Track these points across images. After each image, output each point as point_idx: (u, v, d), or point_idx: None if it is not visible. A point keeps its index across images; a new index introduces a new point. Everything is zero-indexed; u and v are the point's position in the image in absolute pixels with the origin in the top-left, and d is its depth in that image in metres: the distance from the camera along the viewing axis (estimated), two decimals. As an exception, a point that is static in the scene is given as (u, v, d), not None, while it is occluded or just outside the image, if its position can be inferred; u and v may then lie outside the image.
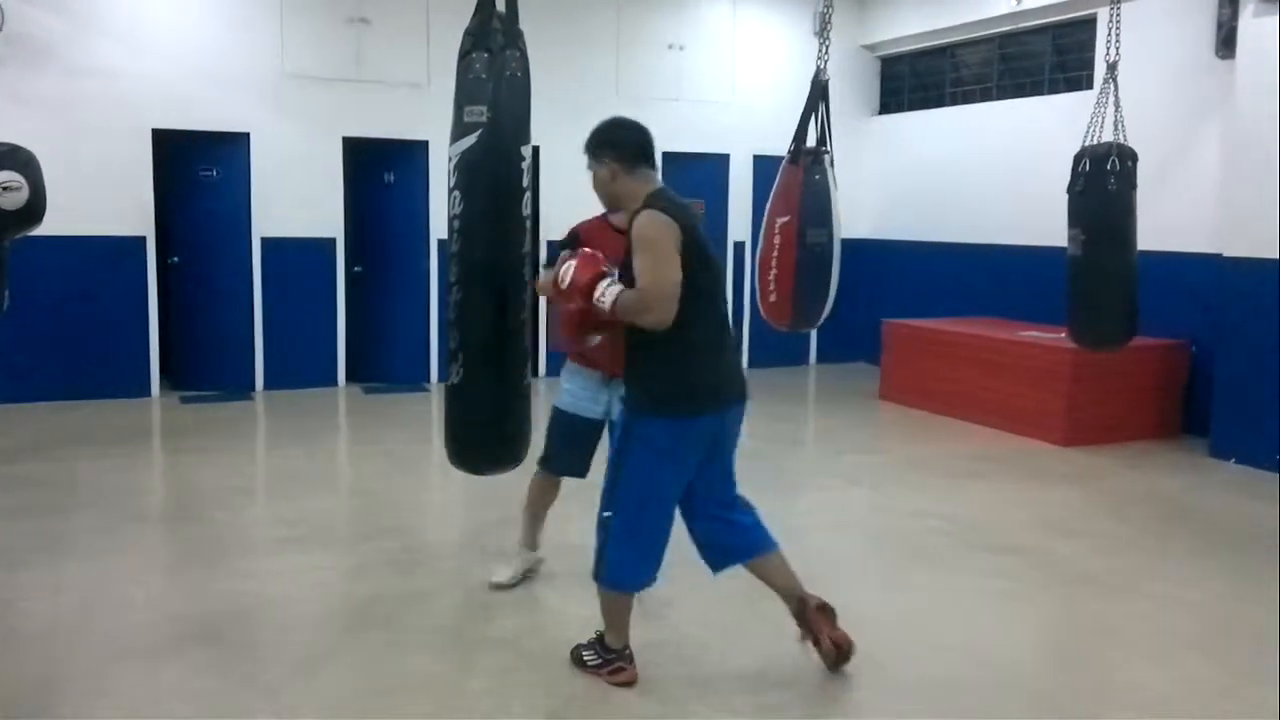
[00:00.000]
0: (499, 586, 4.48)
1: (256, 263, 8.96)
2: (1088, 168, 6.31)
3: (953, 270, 9.95)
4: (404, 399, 8.96)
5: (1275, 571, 4.81)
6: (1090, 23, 8.62)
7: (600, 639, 3.67)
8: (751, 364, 10.68)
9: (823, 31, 6.02)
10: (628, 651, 3.64)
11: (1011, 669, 3.80)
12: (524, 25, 4.04)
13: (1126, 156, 6.28)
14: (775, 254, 5.95)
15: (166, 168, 8.73)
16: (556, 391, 4.42)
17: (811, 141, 6.07)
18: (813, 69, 6.04)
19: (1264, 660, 3.80)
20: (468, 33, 3.99)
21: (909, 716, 3.45)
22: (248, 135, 8.84)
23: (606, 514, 3.51)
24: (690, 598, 4.22)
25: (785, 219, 5.96)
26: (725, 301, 3.65)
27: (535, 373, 9.20)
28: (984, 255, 9.52)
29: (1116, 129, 6.45)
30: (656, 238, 3.30)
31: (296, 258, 9.08)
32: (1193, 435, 7.42)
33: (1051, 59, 9.31)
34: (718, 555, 3.73)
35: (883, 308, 9.85)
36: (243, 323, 8.97)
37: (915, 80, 10.95)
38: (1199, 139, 7.60)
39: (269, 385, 9.05)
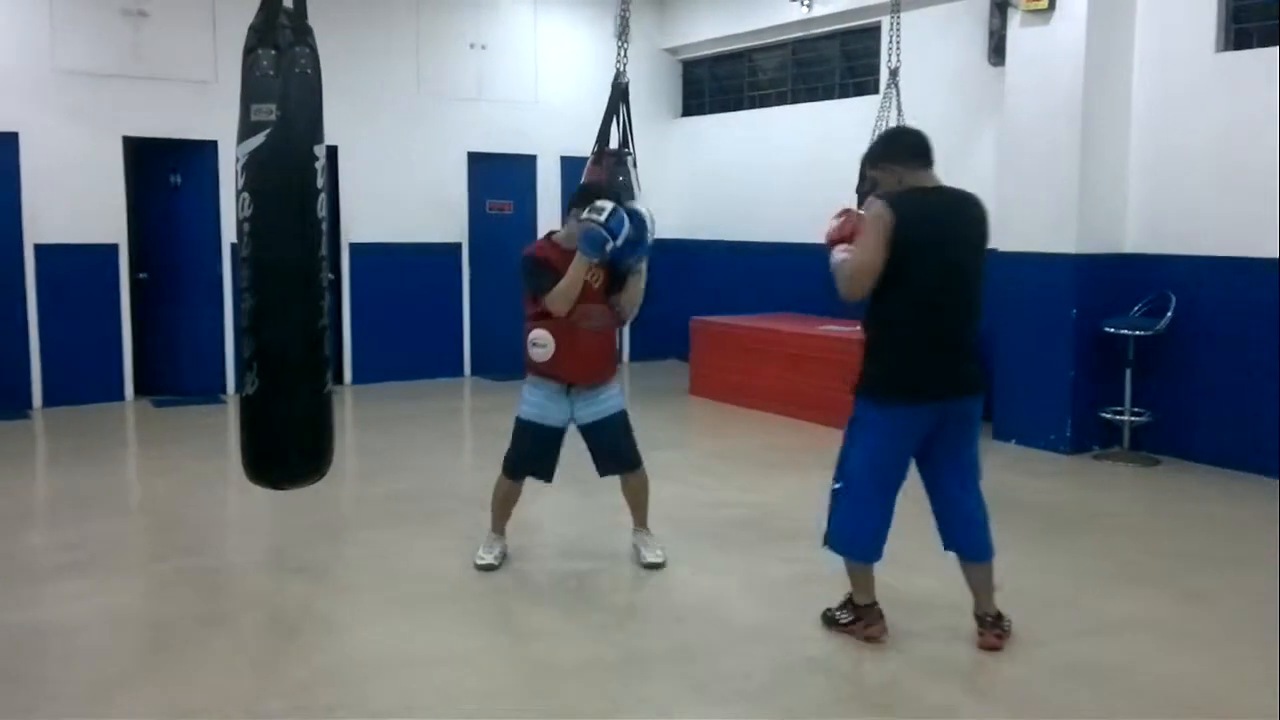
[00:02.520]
0: (487, 567, 4.64)
1: (30, 271, 8.34)
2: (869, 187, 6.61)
3: (757, 268, 10.25)
4: (198, 411, 8.52)
5: (1062, 541, 5.18)
6: (875, 30, 9.04)
7: (850, 600, 3.91)
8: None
9: (621, 35, 6.10)
10: (876, 608, 3.87)
11: (805, 643, 3.93)
12: (318, 21, 3.92)
13: (910, 157, 6.61)
14: None
15: (-79, 170, 8.02)
16: (517, 402, 4.60)
17: (614, 143, 6.14)
18: (614, 71, 6.11)
19: (1036, 619, 4.08)
20: (252, 28, 3.84)
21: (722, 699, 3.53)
22: (15, 135, 8.23)
23: (836, 485, 3.80)
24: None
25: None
26: (956, 301, 3.69)
27: (339, 380, 8.96)
28: (785, 253, 9.84)
29: (900, 131, 6.79)
30: (869, 222, 3.60)
31: (74, 265, 8.49)
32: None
33: (841, 65, 9.73)
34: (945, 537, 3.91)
35: (691, 306, 10.05)
36: (16, 335, 8.33)
37: (715, 84, 11.22)
38: (975, 140, 8.09)
39: (48, 402, 8.44)
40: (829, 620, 4.00)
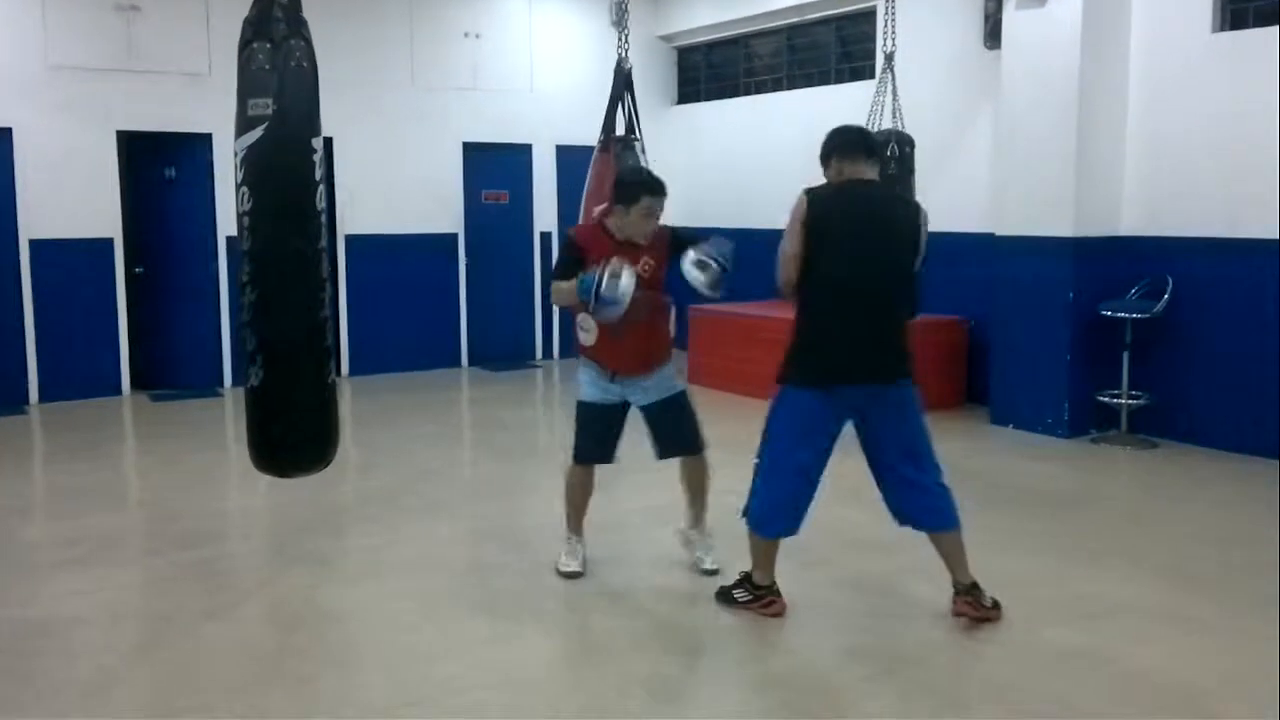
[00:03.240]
0: (572, 575, 4.47)
1: (25, 267, 8.32)
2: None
3: (755, 256, 10.19)
4: (195, 405, 8.51)
5: (1059, 525, 5.19)
6: (870, 15, 9.01)
7: (747, 577, 3.99)
8: (571, 352, 10.73)
9: (621, 20, 6.08)
10: (775, 586, 3.96)
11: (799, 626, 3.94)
12: (310, 12, 3.91)
13: (905, 142, 6.61)
14: None
15: (-85, 166, 8.00)
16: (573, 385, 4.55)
17: (620, 130, 6.13)
18: (609, 60, 6.09)
19: (1032, 603, 4.09)
20: (247, 22, 3.84)
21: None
22: (9, 130, 8.20)
23: (755, 460, 3.89)
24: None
25: (603, 206, 5.94)
26: (873, 291, 3.74)
27: (338, 371, 8.96)
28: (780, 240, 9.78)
29: (895, 116, 6.78)
30: (791, 214, 3.76)
31: (70, 260, 8.48)
32: (975, 404, 7.89)
33: (836, 50, 9.69)
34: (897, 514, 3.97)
35: (689, 293, 9.99)
36: (12, 330, 8.32)
37: (711, 71, 11.18)
38: (971, 125, 8.07)
39: (45, 398, 8.43)
40: (725, 598, 4.08)
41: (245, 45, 3.80)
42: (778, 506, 3.89)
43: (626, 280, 4.00)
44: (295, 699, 3.48)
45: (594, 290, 3.98)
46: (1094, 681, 3.52)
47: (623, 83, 6.15)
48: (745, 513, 3.97)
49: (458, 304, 10.26)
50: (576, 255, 4.28)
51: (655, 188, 4.36)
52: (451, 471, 6.63)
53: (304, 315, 3.85)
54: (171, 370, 9.02)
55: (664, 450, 4.54)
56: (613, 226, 4.36)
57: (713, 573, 4.44)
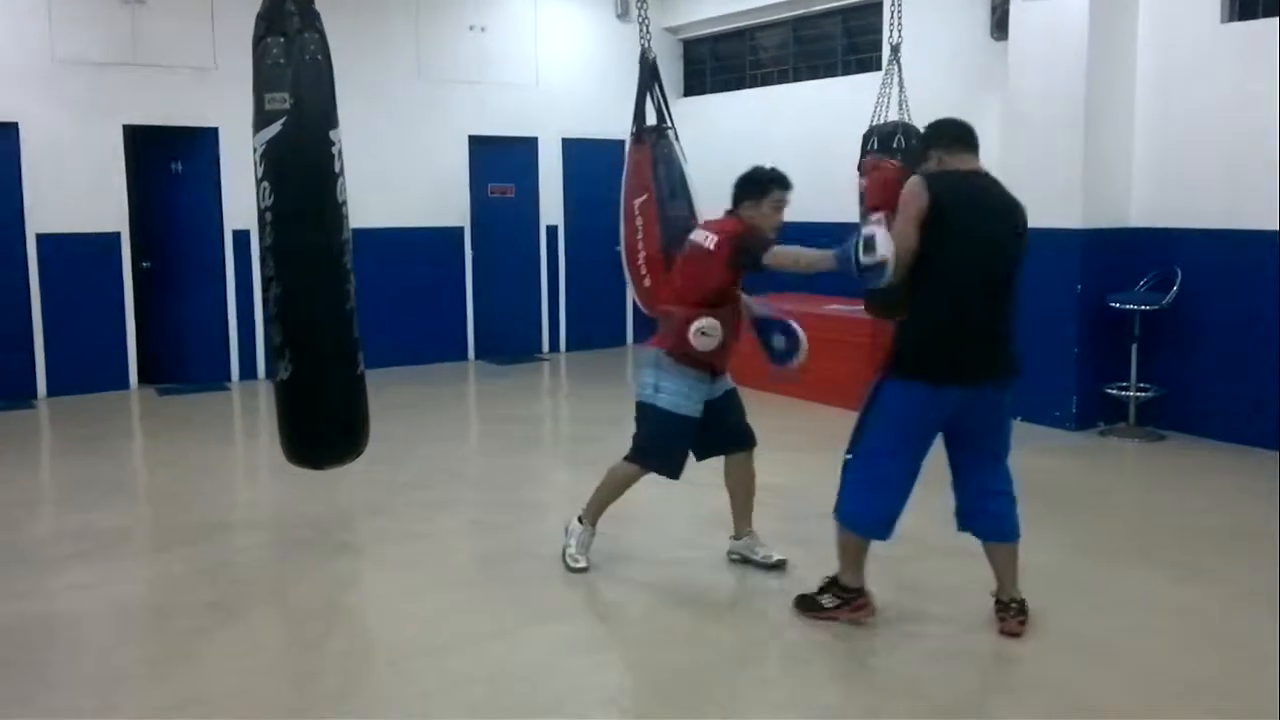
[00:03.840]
0: (582, 571, 4.40)
1: (32, 261, 8.34)
2: (875, 146, 6.56)
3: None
4: (203, 399, 8.52)
5: (1067, 517, 5.17)
6: (876, 6, 8.96)
7: (834, 581, 3.83)
8: (578, 345, 10.74)
9: (636, 12, 6.07)
10: (864, 588, 3.83)
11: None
12: (317, 7, 3.90)
13: (911, 134, 6.56)
14: (640, 236, 5.87)
15: (-78, 161, 8.01)
16: (638, 386, 4.33)
17: (650, 120, 6.12)
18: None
19: (1040, 596, 4.08)
20: (260, 17, 3.85)
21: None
22: (16, 125, 8.20)
23: (847, 455, 3.73)
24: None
25: (643, 198, 5.90)
26: (990, 285, 3.59)
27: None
28: (789, 232, 9.71)
29: (901, 108, 6.75)
30: (904, 201, 3.52)
31: (77, 254, 8.49)
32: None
33: (842, 41, 9.66)
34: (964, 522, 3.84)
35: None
36: (20, 325, 8.34)
37: (717, 63, 11.15)
38: (978, 116, 7.88)
39: (52, 392, 8.45)
40: (809, 605, 3.90)
41: (259, 40, 3.81)
42: (877, 506, 3.71)
43: (883, 239, 3.49)
44: (302, 693, 3.48)
45: (855, 258, 3.51)
46: (1100, 674, 3.51)
47: (649, 72, 6.14)
48: (836, 510, 3.78)
49: (464, 298, 10.25)
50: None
51: (784, 181, 4.36)
52: (459, 465, 6.63)
53: (331, 308, 3.88)
54: (179, 364, 9.04)
55: (725, 446, 4.41)
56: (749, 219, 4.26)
57: (782, 563, 4.41)
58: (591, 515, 4.50)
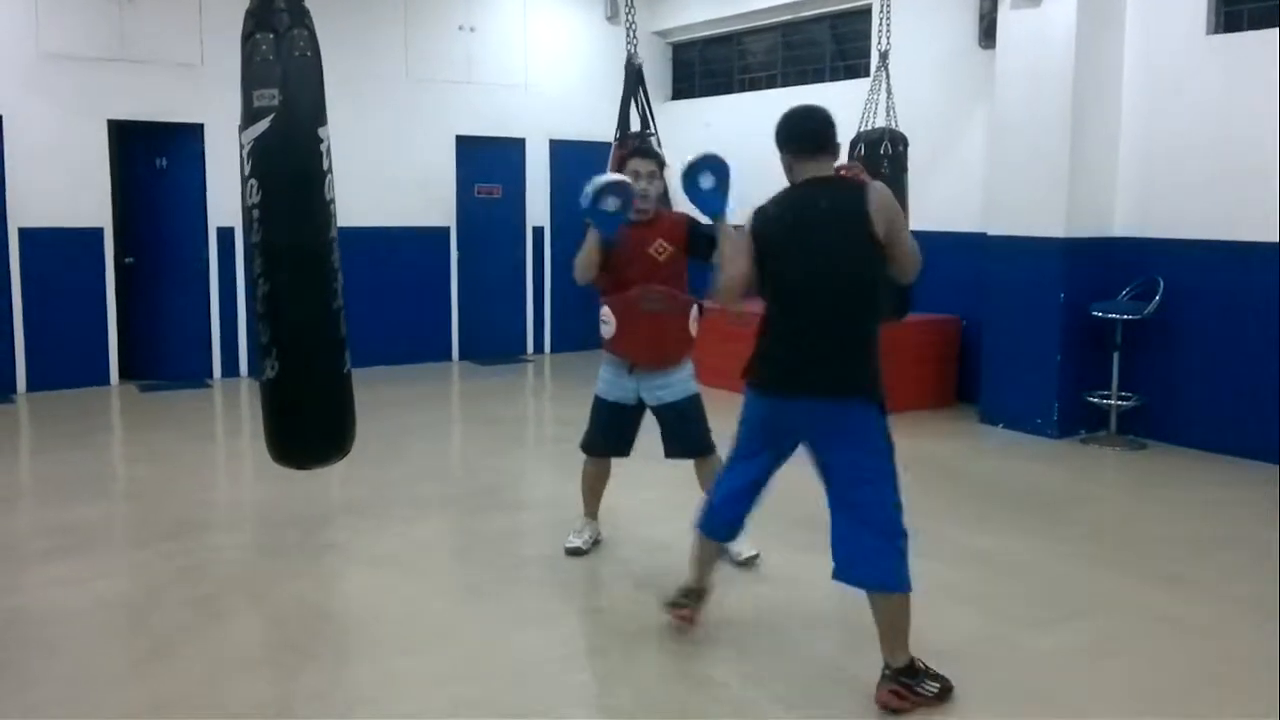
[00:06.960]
0: (575, 551, 4.62)
1: (14, 255, 8.28)
2: (863, 152, 6.60)
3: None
4: (183, 396, 8.48)
5: (1048, 525, 5.19)
6: (865, 13, 9.01)
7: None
8: (562, 347, 10.72)
9: (624, 16, 6.08)
10: (698, 592, 3.83)
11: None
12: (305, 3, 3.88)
13: (898, 141, 6.61)
14: None
15: (-97, 152, 7.94)
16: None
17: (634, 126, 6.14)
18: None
19: (1020, 603, 4.09)
20: (249, 14, 3.82)
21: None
22: (0, 118, 8.14)
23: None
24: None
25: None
26: (822, 303, 3.38)
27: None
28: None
29: (889, 115, 6.78)
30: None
31: (59, 249, 8.44)
32: (966, 403, 7.89)
33: (831, 47, 9.69)
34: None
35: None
36: (1, 319, 8.28)
37: (705, 67, 11.16)
38: (965, 124, 8.07)
39: (32, 387, 8.39)
40: (672, 604, 3.86)
41: (248, 37, 3.78)
42: (715, 504, 3.76)
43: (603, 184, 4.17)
44: (282, 691, 3.46)
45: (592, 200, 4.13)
46: (1080, 681, 3.53)
47: (635, 79, 6.16)
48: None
49: (449, 298, 10.23)
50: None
51: (644, 151, 4.61)
52: (443, 465, 6.62)
53: (317, 306, 3.85)
54: (160, 361, 8.99)
55: (670, 450, 4.60)
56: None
57: (753, 558, 4.50)
58: (585, 508, 4.75)
